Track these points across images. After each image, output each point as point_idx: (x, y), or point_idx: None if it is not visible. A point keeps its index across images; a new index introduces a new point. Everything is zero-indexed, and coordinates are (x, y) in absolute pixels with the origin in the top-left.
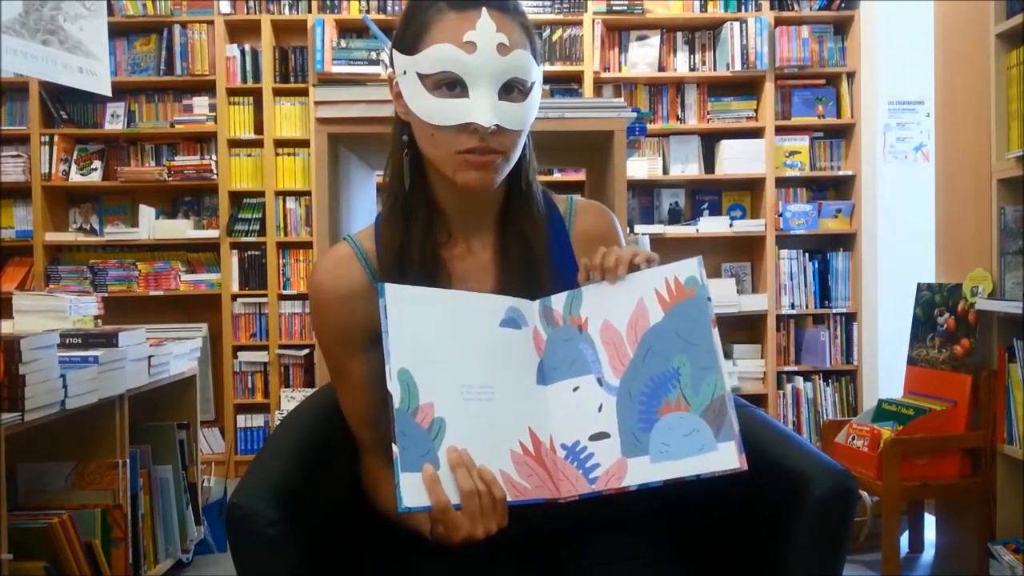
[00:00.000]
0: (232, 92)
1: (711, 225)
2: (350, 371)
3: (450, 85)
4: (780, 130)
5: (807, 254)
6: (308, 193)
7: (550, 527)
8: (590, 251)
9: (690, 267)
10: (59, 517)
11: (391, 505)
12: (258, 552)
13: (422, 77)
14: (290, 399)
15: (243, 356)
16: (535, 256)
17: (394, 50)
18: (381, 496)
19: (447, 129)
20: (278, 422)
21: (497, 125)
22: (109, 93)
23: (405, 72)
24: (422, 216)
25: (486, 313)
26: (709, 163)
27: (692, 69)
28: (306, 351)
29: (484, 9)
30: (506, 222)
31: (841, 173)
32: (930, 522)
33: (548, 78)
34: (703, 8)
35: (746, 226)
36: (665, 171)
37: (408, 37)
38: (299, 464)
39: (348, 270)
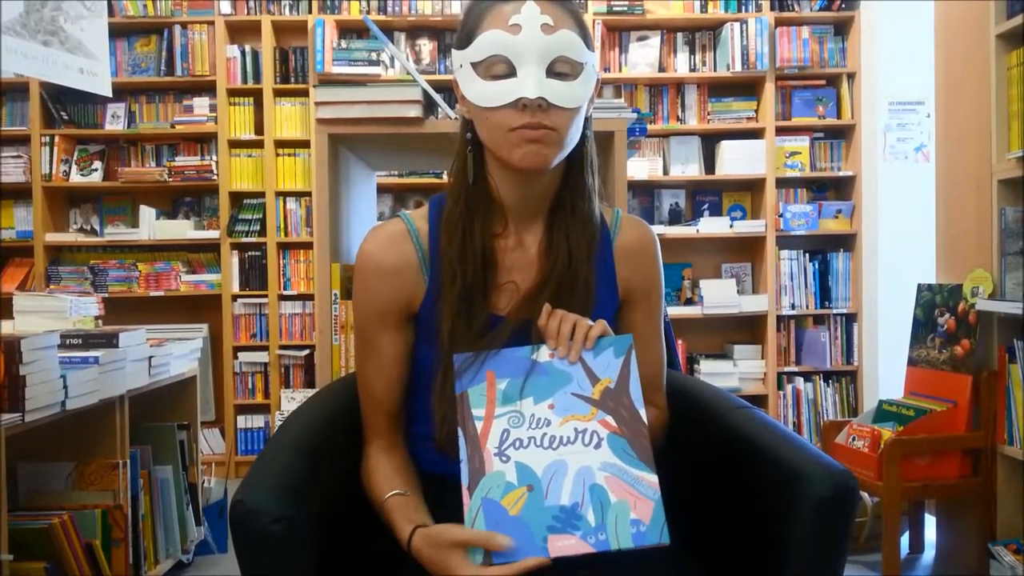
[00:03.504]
0: (232, 93)
1: (711, 226)
2: (380, 346)
3: (500, 69)
4: (780, 131)
5: (807, 255)
6: (308, 194)
7: None
8: (629, 266)
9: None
10: (59, 517)
11: (376, 493)
12: (261, 549)
13: (475, 66)
14: (290, 400)
15: (243, 357)
16: (578, 261)
17: (453, 50)
18: (372, 483)
19: (499, 110)
20: (278, 422)
21: (544, 99)
22: (109, 94)
23: (461, 66)
24: (483, 210)
25: None
26: (709, 164)
27: (692, 69)
28: (306, 352)
29: None
30: (557, 219)
31: (841, 174)
32: (930, 523)
33: None
34: (703, 9)
35: (746, 227)
36: (665, 171)
37: (463, 34)
38: (303, 462)
39: (398, 245)
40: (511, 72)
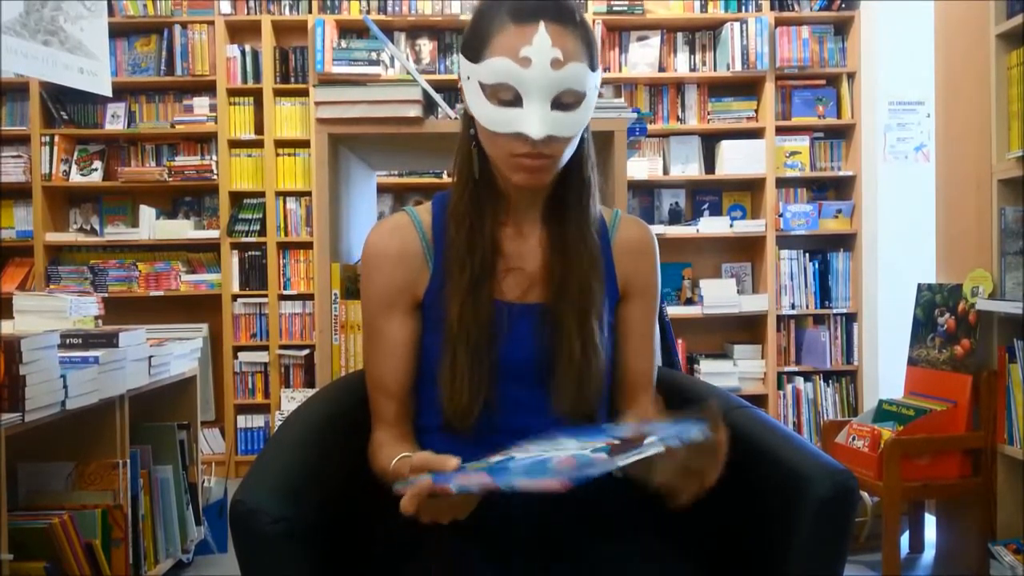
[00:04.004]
0: (232, 92)
1: (711, 225)
2: (385, 334)
3: (506, 95)
4: (780, 130)
5: (807, 254)
6: (308, 193)
7: (549, 533)
8: (627, 263)
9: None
10: (59, 517)
11: (383, 463)
12: (261, 549)
13: (482, 86)
14: (290, 399)
15: (243, 356)
16: (581, 251)
17: (460, 53)
18: (378, 460)
19: (502, 135)
20: (278, 422)
21: (548, 135)
22: (109, 93)
23: (468, 78)
24: (491, 200)
25: None
26: (709, 163)
27: (692, 69)
28: (306, 351)
29: (542, 23)
30: (556, 212)
31: (841, 173)
32: (930, 522)
33: None
34: (703, 8)
35: (746, 226)
36: (665, 171)
37: (473, 44)
38: (303, 462)
39: (403, 235)
40: (517, 101)
